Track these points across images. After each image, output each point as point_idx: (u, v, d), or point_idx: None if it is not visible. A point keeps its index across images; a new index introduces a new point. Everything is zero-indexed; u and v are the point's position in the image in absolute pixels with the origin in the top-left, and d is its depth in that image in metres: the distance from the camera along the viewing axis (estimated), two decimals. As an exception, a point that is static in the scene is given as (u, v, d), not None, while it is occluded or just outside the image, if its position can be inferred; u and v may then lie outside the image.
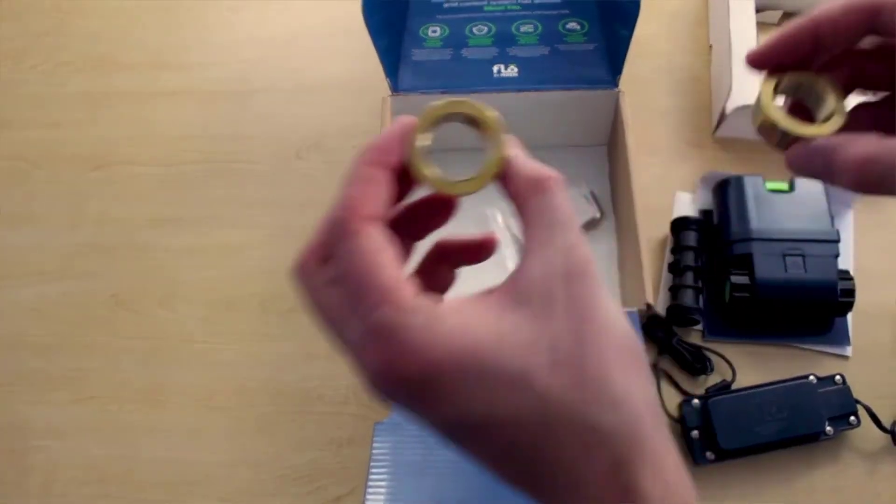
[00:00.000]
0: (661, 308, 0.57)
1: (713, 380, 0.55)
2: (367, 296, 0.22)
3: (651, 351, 0.56)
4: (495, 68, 0.58)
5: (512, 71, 0.58)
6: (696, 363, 0.55)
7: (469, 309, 0.23)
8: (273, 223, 0.63)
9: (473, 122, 0.27)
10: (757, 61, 0.32)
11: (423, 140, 0.27)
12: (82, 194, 0.65)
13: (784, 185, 0.57)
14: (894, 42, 0.31)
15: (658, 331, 0.56)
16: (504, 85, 0.58)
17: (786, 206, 0.56)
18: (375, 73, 0.56)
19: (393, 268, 0.23)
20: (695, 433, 0.52)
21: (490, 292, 0.24)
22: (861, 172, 0.28)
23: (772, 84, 0.33)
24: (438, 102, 0.27)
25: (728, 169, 0.62)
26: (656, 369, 0.55)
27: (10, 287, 0.62)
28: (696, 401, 0.52)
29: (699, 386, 0.55)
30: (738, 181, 0.57)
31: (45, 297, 0.61)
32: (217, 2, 0.74)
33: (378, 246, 0.23)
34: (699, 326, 0.56)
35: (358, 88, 0.68)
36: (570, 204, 0.25)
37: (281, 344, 0.58)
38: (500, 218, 0.61)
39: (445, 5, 0.60)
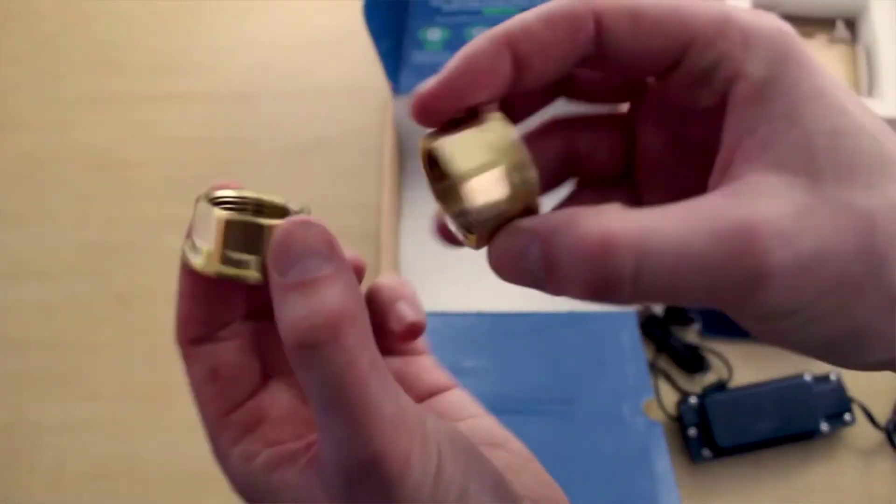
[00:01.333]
0: (658, 307, 0.57)
1: (710, 378, 0.55)
2: None
3: (649, 350, 0.56)
4: (495, 71, 0.59)
5: (511, 74, 0.59)
6: (694, 362, 0.55)
7: None
8: (276, 224, 0.64)
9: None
10: (427, 113, 0.19)
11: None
12: (88, 195, 0.66)
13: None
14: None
15: (656, 330, 0.56)
16: (503, 87, 0.59)
17: (782, 206, 0.56)
18: (377, 75, 0.57)
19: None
20: (692, 431, 0.52)
21: None
22: (600, 267, 0.16)
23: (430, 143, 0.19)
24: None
25: (725, 170, 0.62)
26: (654, 368, 0.55)
27: (17, 286, 0.63)
28: (693, 399, 0.53)
29: (696, 384, 0.55)
30: (735, 182, 0.58)
31: (52, 296, 0.62)
32: (221, 7, 0.75)
33: None
34: (696, 325, 0.57)
35: (360, 91, 0.69)
36: (369, 353, 0.18)
37: (284, 343, 0.59)
38: None
39: (445, 9, 0.60)
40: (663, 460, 0.45)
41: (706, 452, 0.51)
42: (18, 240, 0.65)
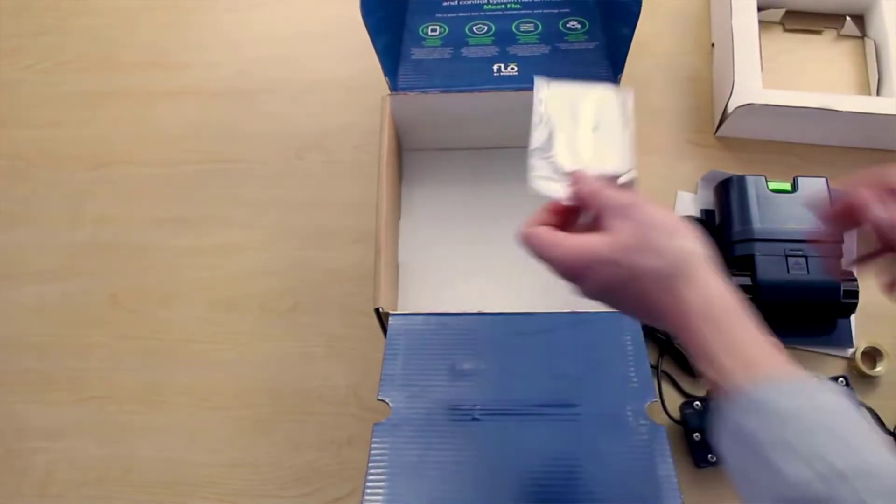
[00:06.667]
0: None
1: (715, 381, 0.54)
2: None
3: (652, 352, 0.55)
4: (495, 67, 0.58)
5: (512, 70, 0.58)
6: (698, 364, 0.54)
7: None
8: (273, 223, 0.63)
9: None
10: None
11: None
12: (82, 194, 0.65)
13: (786, 185, 0.57)
14: None
15: (659, 332, 0.55)
16: (504, 84, 0.58)
17: (788, 206, 0.55)
18: (375, 72, 0.56)
19: None
20: (696, 436, 0.51)
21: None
22: None
23: None
24: None
25: (730, 168, 0.61)
26: (657, 371, 0.54)
27: (9, 287, 0.62)
28: (697, 403, 0.52)
29: (700, 388, 0.54)
30: (741, 181, 0.57)
31: (44, 296, 0.61)
32: (216, 3, 0.74)
33: None
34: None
35: (358, 88, 0.68)
36: None
37: (280, 344, 0.58)
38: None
39: (445, 4, 0.59)
40: (666, 464, 0.44)
41: (711, 457, 0.50)
42: (9, 239, 0.64)
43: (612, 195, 0.35)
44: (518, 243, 0.37)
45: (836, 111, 0.58)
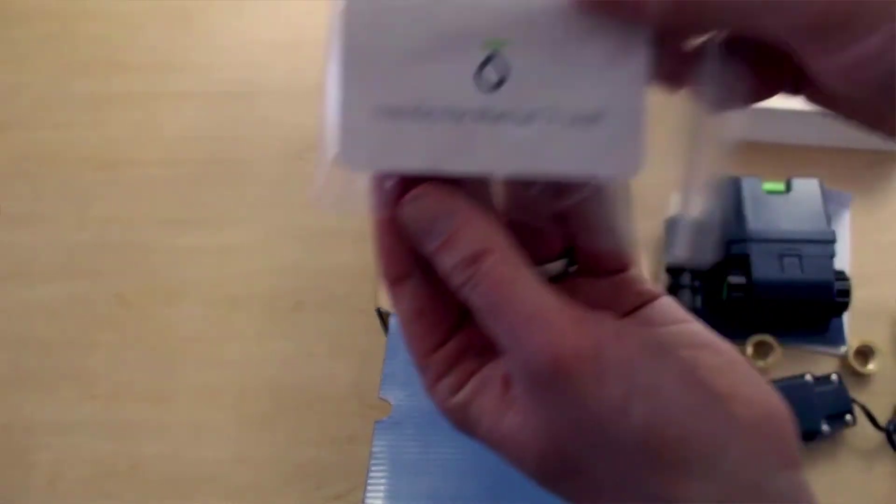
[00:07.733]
0: (658, 308, 0.57)
1: (710, 379, 0.55)
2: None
3: (649, 350, 0.56)
4: (494, 70, 0.59)
5: (511, 73, 0.59)
6: (694, 362, 0.55)
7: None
8: (276, 223, 0.64)
9: None
10: None
11: None
12: (87, 195, 0.66)
13: (781, 186, 0.57)
14: None
15: (656, 330, 0.56)
16: (503, 87, 0.58)
17: (782, 206, 0.56)
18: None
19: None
20: (692, 432, 0.52)
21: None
22: None
23: None
24: None
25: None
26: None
27: (16, 286, 0.62)
28: (693, 400, 0.53)
29: (696, 385, 0.55)
30: (735, 182, 0.58)
31: (51, 296, 0.62)
32: (220, 5, 0.75)
33: None
34: (697, 326, 0.57)
35: (359, 90, 0.68)
36: None
37: (283, 343, 0.59)
38: None
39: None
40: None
41: (706, 453, 0.51)
42: (17, 239, 0.64)
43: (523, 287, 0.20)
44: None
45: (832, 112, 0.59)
